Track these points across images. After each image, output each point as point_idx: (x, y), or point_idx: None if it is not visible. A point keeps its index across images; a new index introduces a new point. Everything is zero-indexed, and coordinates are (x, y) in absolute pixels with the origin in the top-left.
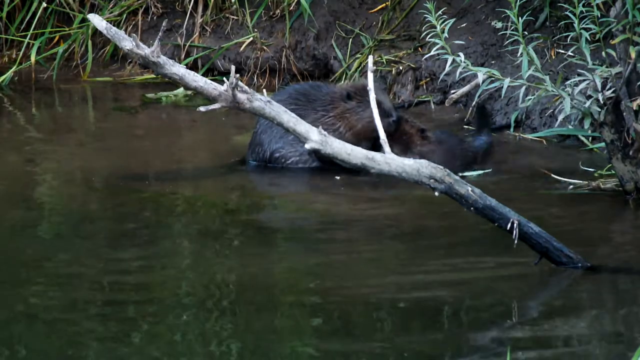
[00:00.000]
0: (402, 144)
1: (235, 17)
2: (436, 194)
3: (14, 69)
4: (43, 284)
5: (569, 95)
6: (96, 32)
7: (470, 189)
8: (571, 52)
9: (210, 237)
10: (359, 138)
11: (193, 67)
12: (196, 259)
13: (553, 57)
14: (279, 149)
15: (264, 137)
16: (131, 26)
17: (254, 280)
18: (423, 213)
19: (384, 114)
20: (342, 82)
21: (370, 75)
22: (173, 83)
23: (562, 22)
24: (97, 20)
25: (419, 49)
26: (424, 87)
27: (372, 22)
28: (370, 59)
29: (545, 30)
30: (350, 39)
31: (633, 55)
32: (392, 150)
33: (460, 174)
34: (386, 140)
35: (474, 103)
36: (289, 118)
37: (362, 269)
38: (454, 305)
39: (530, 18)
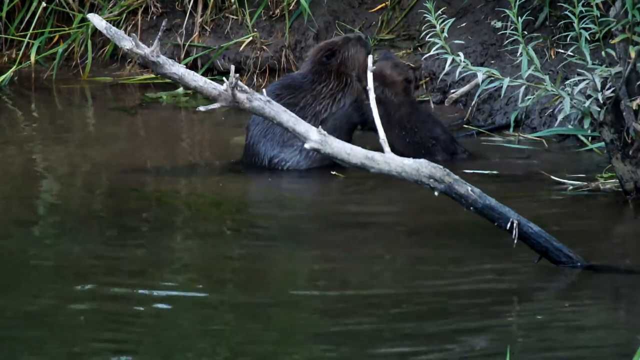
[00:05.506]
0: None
1: (235, 17)
2: (436, 193)
3: (13, 68)
4: (43, 284)
5: (568, 95)
6: (96, 32)
7: (469, 188)
8: (571, 51)
9: (210, 236)
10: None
11: (193, 66)
12: (196, 258)
13: (553, 56)
14: (278, 154)
15: (259, 146)
16: (131, 26)
17: (255, 280)
18: (423, 212)
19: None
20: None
21: (370, 75)
22: (173, 83)
23: (562, 22)
24: (96, 20)
25: (419, 48)
26: (424, 86)
27: (371, 21)
28: (370, 59)
29: (545, 30)
30: None
31: (633, 54)
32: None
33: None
34: (386, 140)
35: (473, 102)
36: (288, 118)
37: (362, 268)
38: (454, 305)
39: (530, 18)
